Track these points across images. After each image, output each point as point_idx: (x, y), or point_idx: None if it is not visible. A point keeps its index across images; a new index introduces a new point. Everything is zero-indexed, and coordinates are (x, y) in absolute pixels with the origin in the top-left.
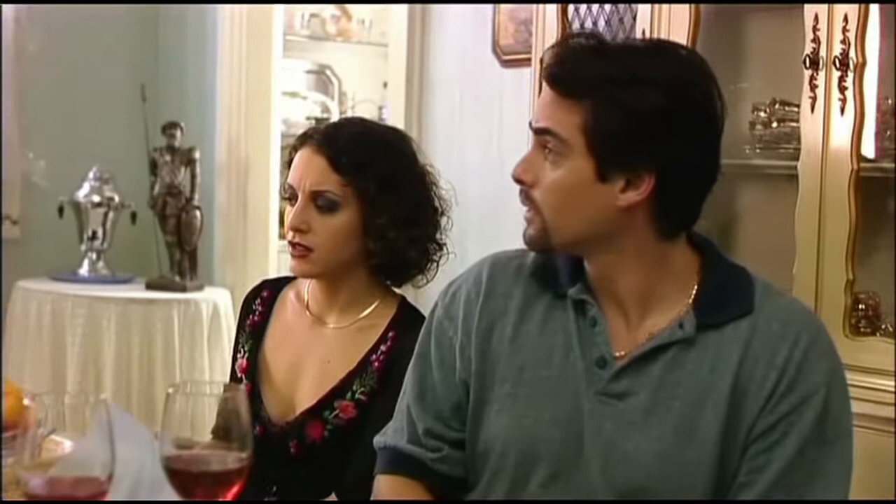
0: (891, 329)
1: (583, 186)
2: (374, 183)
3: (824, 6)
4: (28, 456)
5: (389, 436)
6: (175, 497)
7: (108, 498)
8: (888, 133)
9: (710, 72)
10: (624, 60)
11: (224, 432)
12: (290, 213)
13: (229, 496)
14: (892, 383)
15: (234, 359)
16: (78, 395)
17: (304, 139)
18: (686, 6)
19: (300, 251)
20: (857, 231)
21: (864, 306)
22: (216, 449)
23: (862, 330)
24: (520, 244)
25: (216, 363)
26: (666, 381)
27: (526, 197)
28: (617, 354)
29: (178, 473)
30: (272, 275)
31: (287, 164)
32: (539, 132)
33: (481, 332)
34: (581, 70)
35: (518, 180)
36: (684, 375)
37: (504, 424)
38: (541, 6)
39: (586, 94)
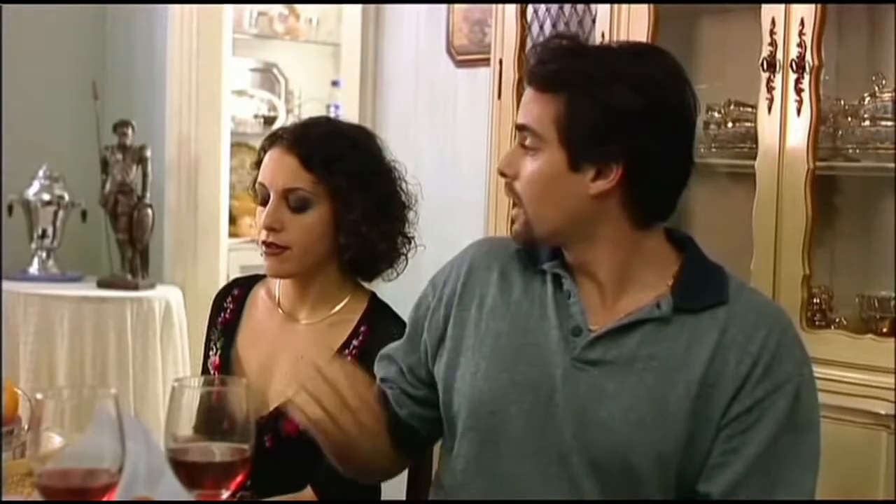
0: (845, 322)
1: (557, 176)
2: (345, 179)
3: (781, 10)
4: (38, 449)
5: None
6: (172, 488)
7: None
8: (840, 133)
9: (685, 75)
10: (599, 59)
11: (205, 428)
12: (261, 213)
13: (233, 486)
14: (850, 374)
15: (206, 356)
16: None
17: (273, 139)
18: (644, 8)
19: (274, 250)
20: (813, 228)
21: (818, 300)
22: (199, 443)
23: (817, 323)
24: (473, 240)
25: (168, 361)
26: (640, 353)
27: (510, 190)
28: (592, 327)
29: (184, 465)
30: (223, 272)
31: (256, 164)
32: (519, 128)
33: (461, 300)
34: (557, 66)
35: (501, 173)
36: (659, 351)
37: (478, 386)
38: (499, 8)
39: (560, 88)
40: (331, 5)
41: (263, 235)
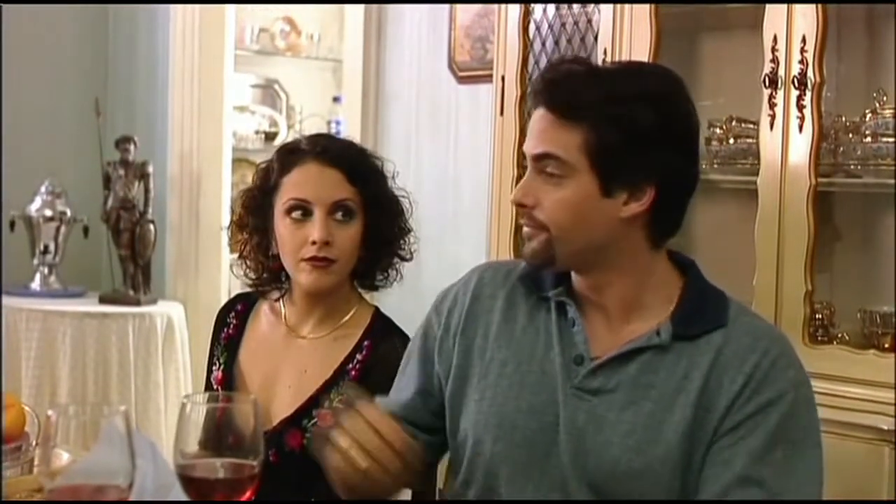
0: (847, 337)
1: (589, 202)
2: (379, 190)
3: (783, 26)
4: (48, 466)
5: (387, 403)
6: None
7: None
8: (841, 149)
9: (686, 88)
10: (615, 81)
11: (211, 444)
12: (294, 230)
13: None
14: (853, 389)
15: (210, 371)
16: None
17: (299, 156)
18: (646, 25)
19: (324, 263)
20: (815, 244)
21: (819, 316)
22: (208, 459)
23: (819, 338)
24: (474, 256)
25: (170, 376)
26: (640, 381)
27: (528, 217)
28: (595, 355)
29: (193, 481)
30: (224, 288)
31: (259, 188)
32: (539, 158)
33: (466, 328)
34: (578, 92)
35: (520, 204)
36: (658, 379)
37: (484, 412)
38: (501, 25)
39: (584, 115)
40: (332, 22)
41: (313, 251)
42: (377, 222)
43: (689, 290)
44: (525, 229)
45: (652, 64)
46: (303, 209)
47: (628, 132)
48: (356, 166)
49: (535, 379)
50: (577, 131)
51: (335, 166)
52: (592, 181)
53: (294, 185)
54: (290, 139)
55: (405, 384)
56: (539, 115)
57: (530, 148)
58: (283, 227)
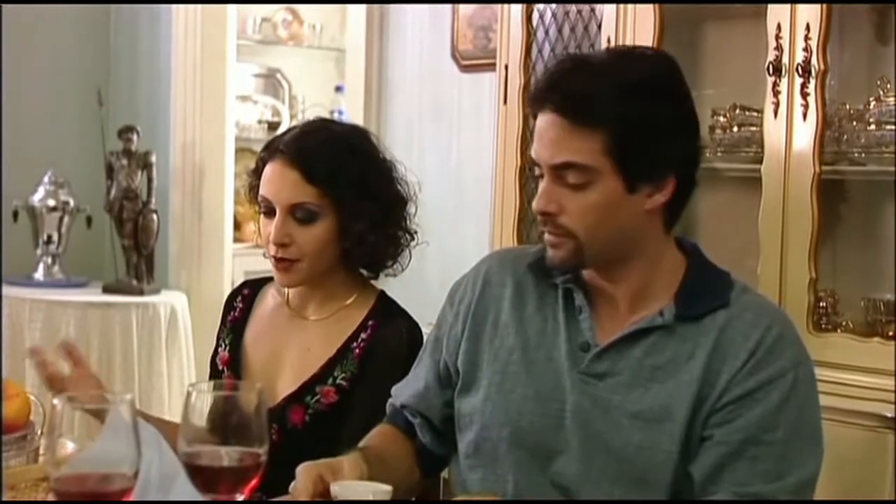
0: (851, 325)
1: (615, 202)
2: (349, 190)
3: (787, 14)
4: (54, 455)
5: (401, 391)
6: (186, 492)
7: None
8: (845, 137)
9: (678, 66)
10: (620, 77)
11: (217, 432)
12: (266, 224)
13: (248, 490)
14: (857, 377)
15: (215, 353)
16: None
17: (272, 152)
18: (650, 13)
19: (285, 264)
20: (819, 231)
21: (823, 304)
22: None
23: (823, 326)
24: (477, 246)
25: (174, 366)
26: (645, 363)
27: (553, 224)
28: (599, 342)
29: (199, 469)
30: (227, 277)
31: (254, 173)
32: (559, 167)
33: (476, 314)
34: (589, 97)
35: (544, 213)
36: (663, 360)
37: (492, 398)
38: (504, 13)
39: (601, 119)
40: (335, 12)
41: (273, 250)
42: (349, 221)
43: (692, 272)
44: (549, 237)
45: (642, 48)
46: (268, 207)
47: (647, 129)
48: (316, 167)
49: (542, 366)
50: (596, 136)
51: (294, 167)
52: (617, 181)
53: (263, 182)
54: (283, 132)
55: (418, 374)
56: (549, 122)
57: (547, 157)
58: (260, 219)
